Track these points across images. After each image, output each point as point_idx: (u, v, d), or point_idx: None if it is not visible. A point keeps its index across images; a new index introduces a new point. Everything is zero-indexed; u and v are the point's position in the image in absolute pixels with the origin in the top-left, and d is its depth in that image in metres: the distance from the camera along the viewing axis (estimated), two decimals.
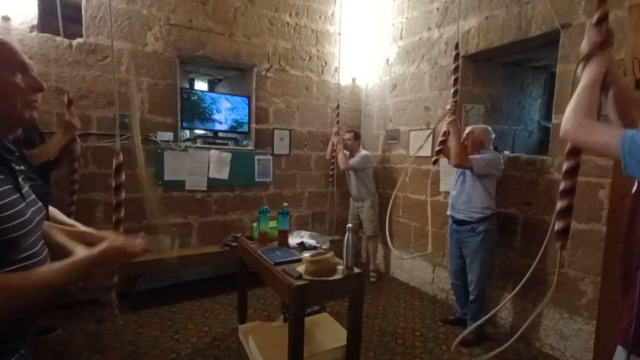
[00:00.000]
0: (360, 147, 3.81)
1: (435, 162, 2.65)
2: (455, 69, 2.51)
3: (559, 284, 2.39)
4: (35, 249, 0.82)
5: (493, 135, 2.61)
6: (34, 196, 0.88)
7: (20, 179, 0.84)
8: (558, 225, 1.39)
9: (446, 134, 2.54)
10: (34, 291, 0.71)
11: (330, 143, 3.79)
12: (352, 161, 3.63)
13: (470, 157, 2.46)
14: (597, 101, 1.01)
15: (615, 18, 2.07)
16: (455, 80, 2.50)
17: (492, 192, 2.52)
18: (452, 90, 2.52)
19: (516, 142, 3.54)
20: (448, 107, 2.52)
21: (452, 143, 2.48)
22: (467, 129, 2.63)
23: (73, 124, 2.29)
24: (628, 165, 0.82)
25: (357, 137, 3.77)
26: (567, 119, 0.99)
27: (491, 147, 2.60)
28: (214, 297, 3.15)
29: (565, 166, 1.36)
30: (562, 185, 1.37)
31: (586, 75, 1.04)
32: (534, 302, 2.54)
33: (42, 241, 0.87)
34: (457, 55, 2.51)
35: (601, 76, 1.03)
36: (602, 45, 1.06)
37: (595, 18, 1.14)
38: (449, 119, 2.50)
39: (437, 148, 2.63)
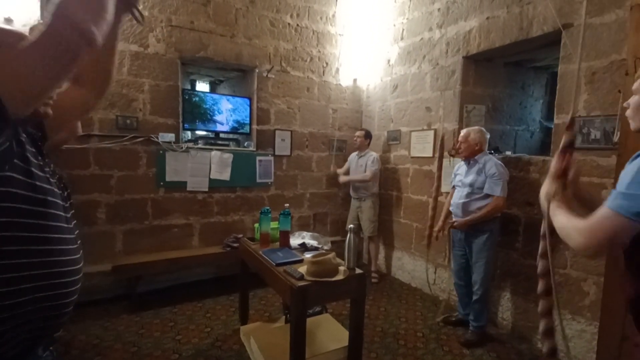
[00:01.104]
0: (369, 148, 3.81)
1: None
2: (439, 167, 2.88)
3: (562, 285, 2.38)
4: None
5: (488, 135, 2.61)
6: None
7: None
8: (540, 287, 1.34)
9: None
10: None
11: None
12: (370, 172, 3.62)
13: (494, 193, 2.43)
14: (572, 215, 0.97)
15: (616, 18, 2.07)
16: (438, 177, 2.89)
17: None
18: (434, 186, 2.90)
19: (518, 142, 3.53)
20: (431, 206, 2.83)
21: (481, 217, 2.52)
22: (462, 132, 2.62)
23: None
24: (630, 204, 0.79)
25: (367, 136, 3.79)
26: (573, 240, 0.92)
27: (486, 150, 2.59)
28: (215, 298, 3.15)
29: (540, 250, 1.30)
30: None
31: (554, 216, 1.02)
32: (537, 303, 2.52)
33: None
34: (441, 154, 2.87)
35: (564, 206, 1.02)
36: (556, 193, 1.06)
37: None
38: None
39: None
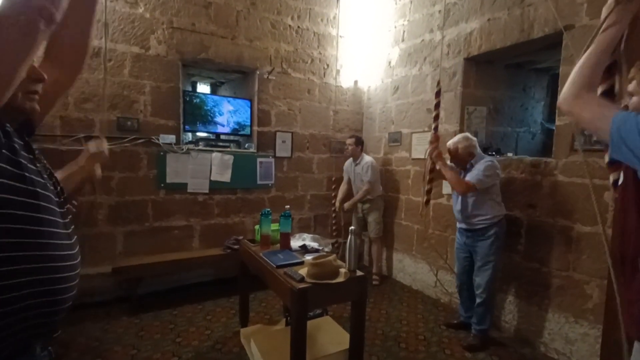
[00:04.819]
0: (363, 153, 3.77)
1: (427, 202, 2.69)
2: (437, 105, 2.61)
3: (564, 288, 2.37)
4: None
5: (475, 140, 2.55)
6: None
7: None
8: None
9: (434, 169, 2.57)
10: None
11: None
12: (367, 185, 3.57)
13: (470, 179, 2.39)
14: (602, 70, 0.92)
15: None
16: (436, 117, 2.60)
17: (498, 198, 2.49)
18: (433, 126, 2.58)
19: (519, 144, 3.52)
20: (430, 139, 2.55)
21: (447, 175, 2.48)
22: (449, 146, 2.55)
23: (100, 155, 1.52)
24: (615, 147, 0.77)
25: (358, 142, 3.70)
26: (567, 87, 0.92)
27: (479, 151, 2.54)
28: (215, 300, 3.14)
29: None
30: None
31: (598, 39, 0.91)
32: (539, 306, 2.51)
33: None
34: (438, 91, 2.60)
35: (614, 41, 0.90)
36: None
37: None
38: (433, 153, 2.49)
39: (426, 188, 2.65)
